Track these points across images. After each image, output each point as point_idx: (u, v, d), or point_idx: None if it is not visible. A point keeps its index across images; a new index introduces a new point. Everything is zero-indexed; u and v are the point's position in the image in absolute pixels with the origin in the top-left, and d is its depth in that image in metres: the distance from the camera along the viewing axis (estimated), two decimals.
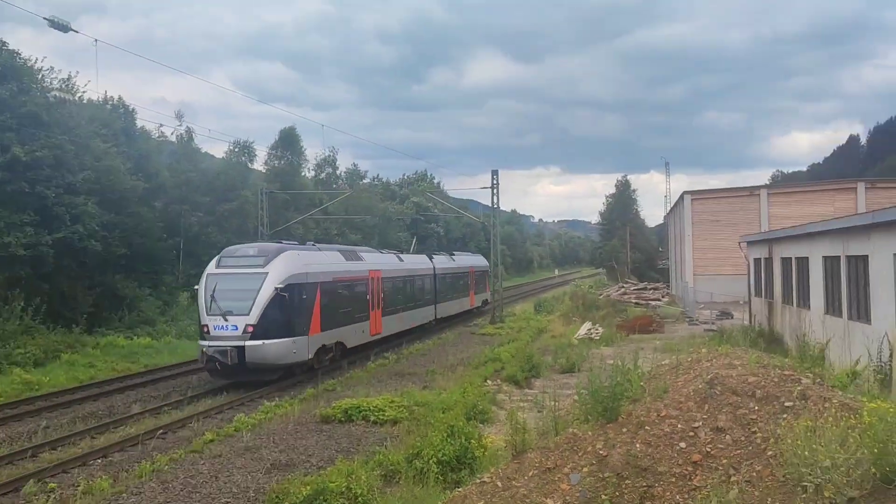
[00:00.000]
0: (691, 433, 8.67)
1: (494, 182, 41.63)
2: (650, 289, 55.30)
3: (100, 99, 38.18)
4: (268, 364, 21.67)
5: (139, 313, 33.44)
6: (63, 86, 32.58)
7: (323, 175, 64.20)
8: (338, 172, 68.24)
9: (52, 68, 33.36)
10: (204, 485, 12.31)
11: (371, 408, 16.87)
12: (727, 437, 8.45)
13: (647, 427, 8.94)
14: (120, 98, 39.98)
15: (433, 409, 15.63)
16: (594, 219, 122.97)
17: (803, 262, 22.06)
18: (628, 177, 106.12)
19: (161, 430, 16.53)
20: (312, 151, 69.33)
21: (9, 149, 27.12)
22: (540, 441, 9.92)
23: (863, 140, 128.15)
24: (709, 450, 8.33)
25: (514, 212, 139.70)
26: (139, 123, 40.91)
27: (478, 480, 9.08)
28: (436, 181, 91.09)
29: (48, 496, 12.00)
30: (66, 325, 28.44)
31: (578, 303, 44.57)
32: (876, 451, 6.81)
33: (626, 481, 8.24)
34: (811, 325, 20.13)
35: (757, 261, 30.56)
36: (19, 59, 29.54)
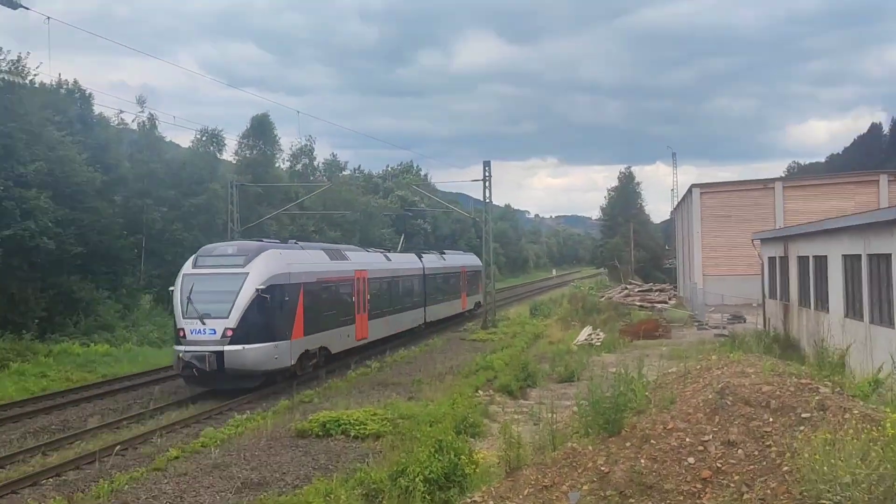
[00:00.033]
0: (700, 447, 8.70)
1: (486, 174, 41.63)
2: (656, 290, 55.56)
3: (53, 83, 37.91)
4: (248, 370, 21.82)
5: (96, 318, 33.21)
6: (12, 68, 32.25)
7: (299, 166, 64.11)
8: (315, 163, 68.18)
9: None
10: None
11: (351, 421, 16.85)
12: (739, 451, 8.48)
13: (652, 441, 8.96)
14: (75, 82, 39.63)
15: (419, 422, 15.60)
16: (595, 214, 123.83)
17: (821, 262, 22.19)
18: (632, 168, 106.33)
19: (120, 447, 16.38)
20: (287, 140, 68.99)
21: None
22: (536, 457, 9.93)
23: (885, 129, 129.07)
24: (719, 465, 8.36)
25: (507, 207, 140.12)
26: (97, 110, 40.57)
27: (468, 500, 9.08)
28: (423, 173, 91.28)
29: None
30: (16, 331, 28.21)
31: (578, 306, 44.66)
32: None
33: (630, 500, 8.26)
34: (830, 329, 20.25)
35: (771, 260, 30.72)
36: None
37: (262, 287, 21.87)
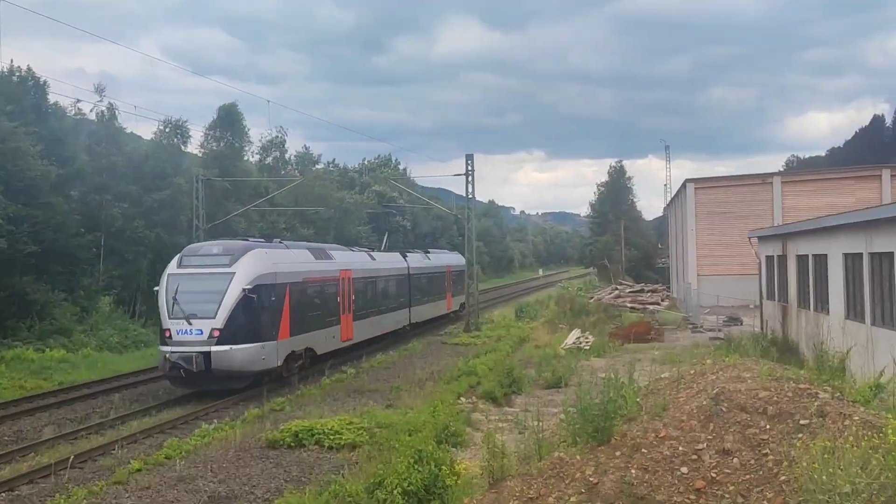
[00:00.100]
0: (694, 456, 8.76)
1: (469, 168, 41.68)
2: (647, 291, 55.82)
3: (4, 70, 37.52)
4: (235, 371, 22.67)
5: (52, 321, 32.91)
6: None
7: (269, 160, 63.78)
8: (287, 157, 67.79)
9: None
10: None
11: (325, 430, 16.92)
12: (735, 460, 8.54)
13: (643, 450, 9.01)
14: (29, 69, 39.18)
15: (398, 431, 15.63)
16: (584, 211, 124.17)
17: (821, 261, 22.39)
18: (623, 162, 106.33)
19: (78, 459, 16.30)
20: (257, 132, 69.17)
21: None
22: (521, 467, 9.96)
23: (888, 121, 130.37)
24: (714, 475, 8.43)
25: (491, 203, 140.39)
26: (52, 98, 40.07)
27: None
28: (401, 167, 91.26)
29: None
30: None
31: (566, 307, 44.85)
32: None
33: None
34: (830, 331, 20.44)
35: (769, 259, 30.97)
36: None
37: (248, 287, 22.76)
